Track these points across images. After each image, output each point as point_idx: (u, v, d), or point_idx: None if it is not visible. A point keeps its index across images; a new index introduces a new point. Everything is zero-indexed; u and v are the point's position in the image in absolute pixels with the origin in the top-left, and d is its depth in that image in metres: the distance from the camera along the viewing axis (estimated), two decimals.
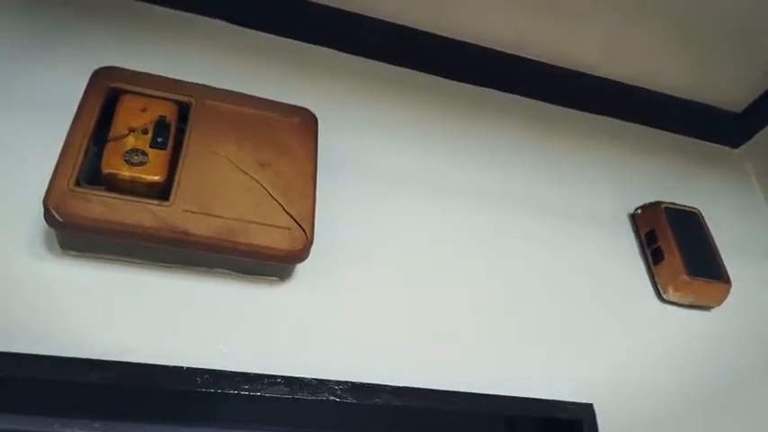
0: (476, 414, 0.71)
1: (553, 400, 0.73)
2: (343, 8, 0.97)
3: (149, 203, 0.65)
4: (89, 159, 0.67)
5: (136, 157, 0.67)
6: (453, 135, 0.98)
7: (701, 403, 0.88)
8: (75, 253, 0.67)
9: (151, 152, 0.68)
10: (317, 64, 0.97)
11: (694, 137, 1.23)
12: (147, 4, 0.92)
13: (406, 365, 0.72)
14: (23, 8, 0.84)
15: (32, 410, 0.65)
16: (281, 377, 0.65)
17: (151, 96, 0.73)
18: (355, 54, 1.01)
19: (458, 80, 1.06)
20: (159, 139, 0.69)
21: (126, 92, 0.72)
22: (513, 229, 0.91)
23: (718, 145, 1.25)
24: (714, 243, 0.96)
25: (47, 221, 0.62)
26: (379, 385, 0.68)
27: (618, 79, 1.13)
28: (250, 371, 0.65)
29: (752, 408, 0.91)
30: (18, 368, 0.60)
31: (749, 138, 1.25)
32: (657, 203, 0.98)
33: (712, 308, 0.95)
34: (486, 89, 1.08)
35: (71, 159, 0.65)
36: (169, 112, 0.72)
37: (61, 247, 0.67)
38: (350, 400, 0.66)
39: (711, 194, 1.14)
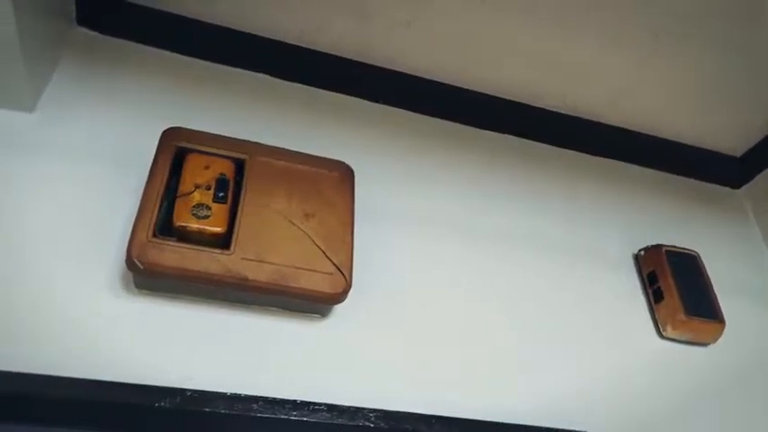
0: None
1: (555, 429, 0.83)
2: (376, 64, 1.08)
3: (214, 252, 0.75)
4: (161, 212, 0.78)
5: (202, 212, 0.78)
6: (474, 182, 1.08)
7: None
8: (148, 292, 0.78)
9: (214, 206, 0.79)
10: (351, 115, 1.08)
11: (698, 179, 1.32)
12: (201, 61, 1.04)
13: (430, 395, 0.82)
14: (102, 71, 0.96)
15: (107, 428, 0.75)
16: (324, 404, 0.75)
17: (212, 155, 0.84)
18: (390, 105, 1.12)
19: (478, 127, 1.17)
20: (221, 194, 0.80)
21: (191, 150, 0.83)
22: (528, 270, 1.01)
23: (719, 186, 1.34)
24: (711, 284, 1.05)
25: (129, 268, 0.73)
26: (407, 413, 0.78)
27: (625, 126, 1.22)
28: (297, 398, 0.75)
29: None
30: (95, 392, 0.71)
31: (750, 179, 1.34)
32: (659, 246, 1.07)
33: (708, 344, 1.04)
34: (504, 135, 1.19)
35: (148, 213, 0.75)
36: (227, 169, 0.83)
37: (136, 287, 0.78)
38: (382, 425, 0.76)
39: (713, 234, 1.23)
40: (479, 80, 1.13)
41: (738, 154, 1.31)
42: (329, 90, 1.09)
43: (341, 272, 0.80)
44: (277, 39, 1.04)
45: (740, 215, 1.31)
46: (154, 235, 0.74)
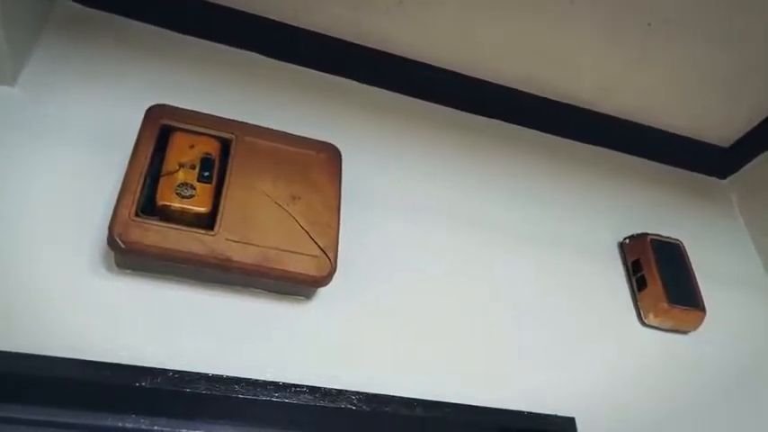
0: (470, 424, 0.81)
1: (539, 413, 0.84)
2: (366, 44, 1.07)
3: (197, 232, 0.75)
4: (145, 190, 0.77)
5: (186, 191, 0.77)
6: (461, 166, 1.08)
7: (677, 419, 0.97)
8: (130, 271, 0.77)
9: (198, 186, 0.78)
10: (342, 96, 1.07)
11: (686, 169, 1.32)
12: (191, 38, 1.01)
13: (415, 378, 0.82)
14: (87, 47, 0.94)
15: (89, 407, 0.75)
16: (306, 386, 0.75)
17: (198, 133, 0.82)
18: (377, 86, 1.10)
19: (470, 112, 1.16)
20: (205, 174, 0.79)
21: (176, 129, 0.82)
22: (514, 256, 1.01)
23: (706, 176, 1.35)
24: (693, 273, 1.06)
25: (110, 246, 0.72)
26: (390, 396, 0.78)
27: (614, 114, 1.22)
28: (279, 380, 0.75)
29: (722, 423, 1.00)
30: (74, 372, 0.70)
31: (736, 170, 1.34)
32: (644, 235, 1.08)
33: (689, 332, 1.05)
34: (495, 120, 1.18)
35: (131, 192, 0.74)
36: (213, 149, 0.82)
37: (118, 266, 0.77)
38: (364, 408, 0.76)
39: (698, 223, 1.24)
40: (471, 65, 1.12)
41: (726, 145, 1.31)
42: (320, 71, 1.08)
43: (326, 255, 0.79)
44: (271, 17, 1.02)
45: (725, 205, 1.31)
46: (136, 214, 0.73)
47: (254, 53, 1.05)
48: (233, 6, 1.01)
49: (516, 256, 1.02)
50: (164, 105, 0.83)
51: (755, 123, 1.26)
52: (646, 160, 1.28)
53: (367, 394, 0.77)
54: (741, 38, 1.09)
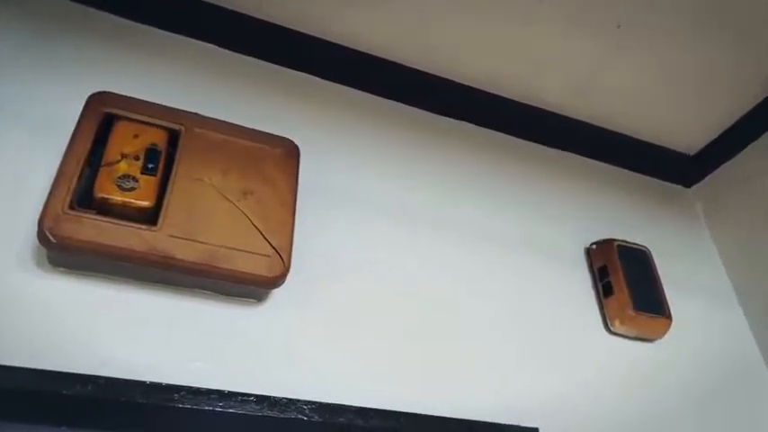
0: None
1: (500, 424, 0.80)
2: (328, 39, 1.03)
3: (138, 228, 0.69)
4: (83, 181, 0.71)
5: (127, 183, 0.71)
6: (423, 166, 1.04)
7: (643, 428, 0.95)
8: (64, 269, 0.71)
9: (142, 178, 0.72)
10: (301, 91, 1.02)
11: (652, 176, 1.31)
12: (141, 26, 0.96)
13: (371, 387, 0.78)
14: (21, 29, 0.87)
15: (13, 419, 0.68)
16: (254, 395, 0.70)
17: (143, 123, 0.77)
18: (338, 83, 1.06)
19: (433, 112, 1.13)
20: (150, 166, 0.74)
21: (119, 117, 0.76)
22: (476, 258, 0.98)
23: (672, 184, 1.34)
24: (659, 280, 1.04)
25: (40, 241, 0.66)
26: (344, 405, 0.73)
27: (582, 119, 1.20)
28: (224, 388, 0.70)
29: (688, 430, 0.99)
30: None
31: (701, 179, 1.34)
32: (611, 240, 1.06)
33: (655, 340, 1.03)
34: (460, 122, 1.15)
35: (66, 183, 0.69)
36: (160, 139, 0.77)
37: (50, 263, 0.71)
38: (316, 419, 0.71)
39: (664, 231, 1.23)
40: (436, 63, 1.09)
41: (691, 152, 1.31)
42: (278, 64, 1.03)
43: (279, 254, 0.74)
44: (226, 6, 0.97)
45: (690, 213, 1.31)
46: (71, 206, 0.68)
47: (209, 44, 0.99)
48: None
49: (482, 260, 0.98)
50: (107, 93, 0.78)
51: (719, 132, 1.26)
52: (612, 166, 1.27)
53: (319, 403, 0.72)
54: (709, 46, 1.08)
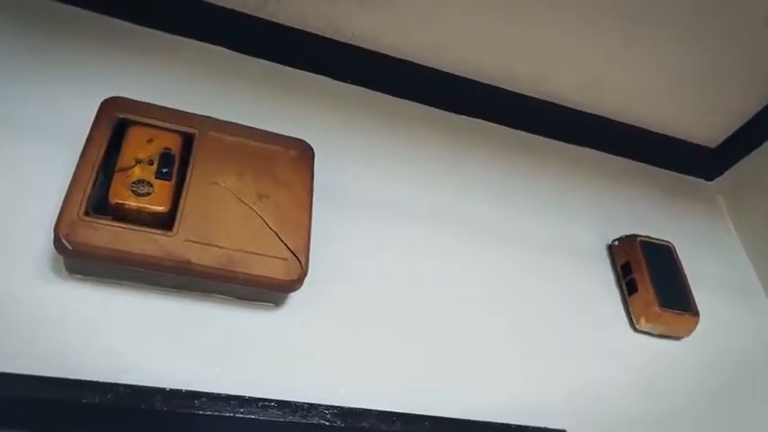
0: None
1: (527, 426, 0.78)
2: (342, 40, 1.02)
3: (154, 233, 0.68)
4: (98, 188, 0.70)
5: (142, 188, 0.70)
6: (441, 165, 1.02)
7: (671, 427, 0.92)
8: (81, 276, 0.70)
9: (156, 183, 0.72)
10: (315, 92, 1.01)
11: (672, 170, 1.29)
12: (151, 30, 0.96)
13: (393, 390, 0.76)
14: (36, 36, 0.87)
15: (35, 427, 0.68)
16: (275, 401, 0.69)
17: (157, 127, 0.76)
18: (351, 83, 1.05)
19: (448, 110, 1.11)
20: (164, 170, 0.73)
21: (133, 123, 0.76)
22: (497, 258, 0.96)
23: (693, 177, 1.31)
24: (685, 275, 1.02)
25: (56, 248, 0.66)
26: (366, 410, 0.72)
27: (601, 114, 1.18)
28: (245, 394, 0.69)
29: (717, 431, 0.96)
30: (17, 388, 0.63)
31: (723, 172, 1.31)
32: (634, 236, 1.03)
33: (682, 338, 1.00)
34: (475, 119, 1.13)
35: (81, 189, 0.68)
36: (174, 144, 0.76)
37: (67, 270, 0.70)
38: (339, 423, 0.70)
39: (686, 226, 1.20)
40: (449, 62, 1.07)
41: (713, 145, 1.28)
42: (290, 66, 1.02)
43: (296, 257, 0.73)
44: (235, 9, 0.97)
45: (713, 207, 1.28)
46: (86, 213, 0.67)
47: (220, 47, 0.99)
48: None
49: (502, 260, 0.96)
50: (120, 98, 0.77)
51: (741, 124, 1.23)
52: (631, 161, 1.24)
53: (341, 408, 0.71)
54: (729, 37, 1.06)
